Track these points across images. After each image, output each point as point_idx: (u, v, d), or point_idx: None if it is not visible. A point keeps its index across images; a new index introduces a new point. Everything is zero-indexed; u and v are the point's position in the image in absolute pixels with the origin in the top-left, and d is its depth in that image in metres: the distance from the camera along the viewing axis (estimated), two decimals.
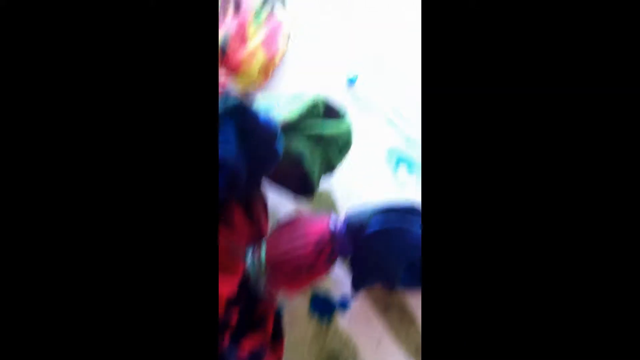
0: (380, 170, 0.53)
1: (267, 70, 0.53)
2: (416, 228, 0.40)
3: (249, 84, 0.51)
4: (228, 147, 0.34)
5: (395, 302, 0.46)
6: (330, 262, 0.41)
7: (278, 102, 0.44)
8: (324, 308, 0.46)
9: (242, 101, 0.36)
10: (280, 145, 0.37)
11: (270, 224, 0.43)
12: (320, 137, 0.44)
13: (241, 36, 0.50)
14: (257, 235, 0.40)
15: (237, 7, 0.53)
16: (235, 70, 0.49)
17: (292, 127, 0.42)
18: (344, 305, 0.46)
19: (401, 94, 0.57)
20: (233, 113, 0.35)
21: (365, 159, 0.53)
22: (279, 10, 0.56)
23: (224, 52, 0.49)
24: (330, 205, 0.50)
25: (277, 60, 0.53)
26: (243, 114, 0.35)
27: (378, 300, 0.46)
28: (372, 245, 0.40)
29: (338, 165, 0.46)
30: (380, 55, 0.59)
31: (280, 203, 0.48)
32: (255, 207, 0.40)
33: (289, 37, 0.57)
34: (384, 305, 0.46)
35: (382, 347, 0.46)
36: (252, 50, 0.50)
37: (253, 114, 0.36)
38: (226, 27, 0.50)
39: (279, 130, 0.37)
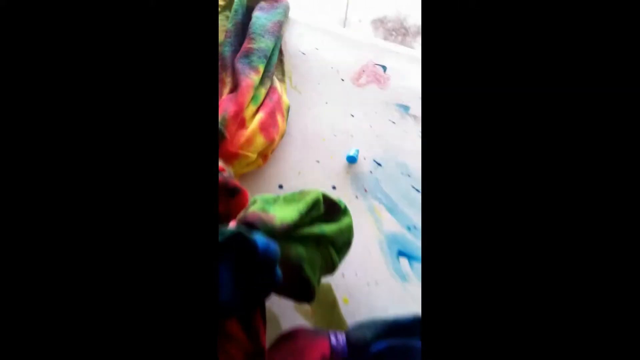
0: (380, 263, 0.51)
1: (267, 154, 0.51)
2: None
3: (246, 168, 0.49)
4: (224, 285, 0.32)
5: None
6: None
7: (276, 202, 0.42)
8: None
9: (239, 231, 0.34)
10: (279, 272, 0.35)
11: (269, 337, 0.41)
12: (321, 238, 0.42)
13: (240, 121, 0.48)
14: (254, 351, 0.38)
15: (236, 86, 0.51)
16: (232, 159, 0.47)
17: (291, 231, 0.40)
18: None
19: (404, 176, 0.55)
20: (228, 245, 0.33)
21: (364, 249, 0.51)
22: (277, 85, 0.54)
23: (222, 137, 0.47)
24: (331, 302, 0.48)
25: (276, 142, 0.51)
26: (240, 245, 0.33)
27: None
28: None
29: (339, 265, 0.44)
30: (382, 134, 0.57)
31: (279, 311, 0.46)
32: (253, 321, 0.38)
33: (288, 111, 0.55)
34: None
35: None
36: (250, 136, 0.48)
37: (251, 243, 0.34)
38: (224, 109, 0.48)
39: (279, 256, 0.35)
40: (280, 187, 0.52)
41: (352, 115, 0.58)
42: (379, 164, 0.55)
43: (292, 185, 0.52)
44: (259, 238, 0.34)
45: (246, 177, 0.51)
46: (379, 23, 1.91)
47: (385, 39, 1.90)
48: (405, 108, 0.59)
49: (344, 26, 1.84)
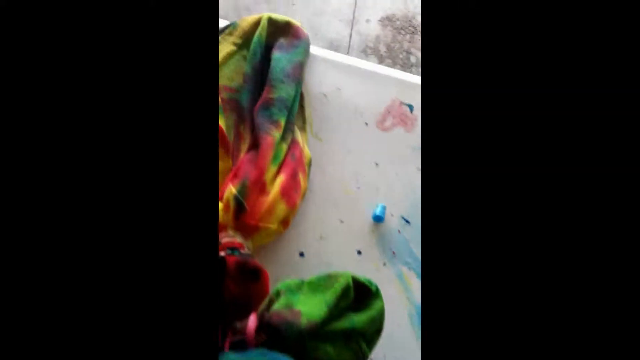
0: (411, 342, 0.47)
1: (288, 220, 0.46)
2: None
3: (266, 239, 0.45)
4: None
5: None
6: None
7: (300, 291, 0.38)
8: None
9: None
10: None
11: None
12: (351, 332, 0.38)
13: (260, 186, 0.44)
14: None
15: (255, 143, 0.46)
16: (252, 232, 0.43)
17: (319, 329, 0.36)
18: None
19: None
20: None
21: (393, 326, 0.47)
22: (298, 137, 0.50)
23: (241, 208, 0.42)
24: None
25: (298, 205, 0.47)
26: None
27: None
28: None
29: (370, 356, 0.40)
30: (409, 186, 0.53)
31: None
32: None
33: (310, 165, 0.50)
34: None
35: None
36: (271, 204, 0.44)
37: None
38: (244, 172, 0.44)
39: None
40: (302, 255, 0.48)
41: (377, 164, 0.53)
42: (407, 221, 0.51)
43: (314, 251, 0.48)
44: None
45: (264, 245, 0.46)
46: (387, 21, 1.85)
47: (394, 37, 1.84)
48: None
49: (352, 26, 1.78)
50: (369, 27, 1.82)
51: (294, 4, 1.80)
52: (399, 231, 0.50)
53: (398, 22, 1.89)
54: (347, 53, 1.74)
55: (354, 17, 1.84)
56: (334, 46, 1.74)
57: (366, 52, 1.76)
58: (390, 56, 1.79)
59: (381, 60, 1.75)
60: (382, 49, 1.78)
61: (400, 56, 1.76)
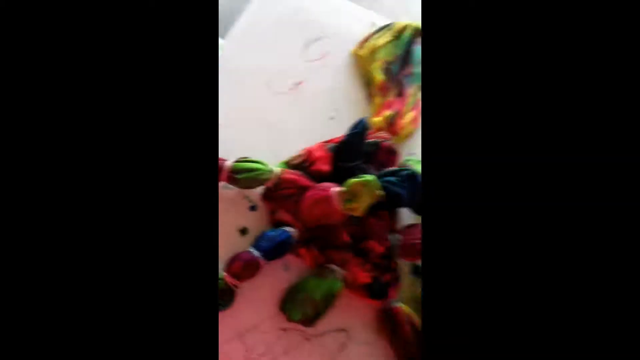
0: None
1: (413, 131, 0.91)
2: None
3: (402, 139, 0.91)
4: None
5: None
6: None
7: None
8: None
9: None
10: None
11: None
12: None
13: (401, 115, 0.91)
14: None
15: (400, 93, 0.93)
16: (396, 134, 0.90)
17: None
18: None
19: None
20: None
21: None
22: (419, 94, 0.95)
23: (392, 123, 0.90)
24: None
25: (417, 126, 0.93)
26: None
27: None
28: None
29: None
30: None
31: None
32: None
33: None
34: None
35: None
36: (407, 122, 0.91)
37: None
38: (394, 109, 0.90)
39: None
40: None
41: None
42: None
43: None
44: None
45: None
46: None
47: None
48: None
49: None
50: None
51: None
52: None
53: None
54: None
55: None
56: None
57: None
58: None
59: None
60: None
61: None
